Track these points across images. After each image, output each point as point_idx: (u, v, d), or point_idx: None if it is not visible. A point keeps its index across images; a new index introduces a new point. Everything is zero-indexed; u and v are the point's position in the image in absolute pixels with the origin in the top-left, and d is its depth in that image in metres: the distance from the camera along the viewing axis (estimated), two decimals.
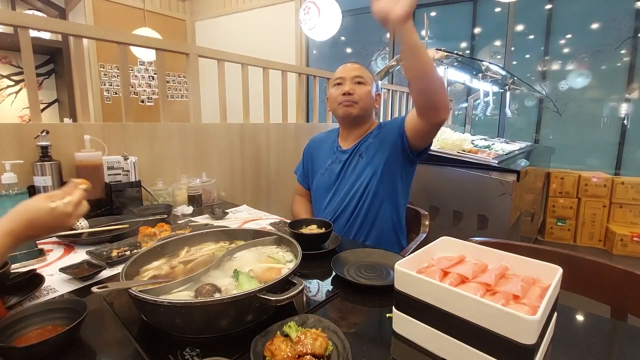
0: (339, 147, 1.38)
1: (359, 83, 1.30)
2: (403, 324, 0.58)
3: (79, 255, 0.93)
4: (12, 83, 4.31)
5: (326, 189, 1.35)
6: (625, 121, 3.53)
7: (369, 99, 1.31)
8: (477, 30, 4.23)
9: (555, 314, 0.58)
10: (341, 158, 1.34)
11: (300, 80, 2.52)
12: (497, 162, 1.87)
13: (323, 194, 1.36)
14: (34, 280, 0.74)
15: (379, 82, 1.36)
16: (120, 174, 1.38)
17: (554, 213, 3.56)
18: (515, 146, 2.91)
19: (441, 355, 0.53)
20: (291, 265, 0.69)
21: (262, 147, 2.18)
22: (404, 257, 0.63)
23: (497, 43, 4.11)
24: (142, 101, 4.53)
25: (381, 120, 1.56)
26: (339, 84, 1.32)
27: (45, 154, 1.21)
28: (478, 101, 3.20)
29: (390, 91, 3.30)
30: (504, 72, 2.61)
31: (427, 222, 1.34)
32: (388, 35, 4.05)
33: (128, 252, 0.91)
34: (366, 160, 1.27)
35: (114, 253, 0.91)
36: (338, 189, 1.32)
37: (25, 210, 0.58)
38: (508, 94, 3.55)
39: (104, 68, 4.13)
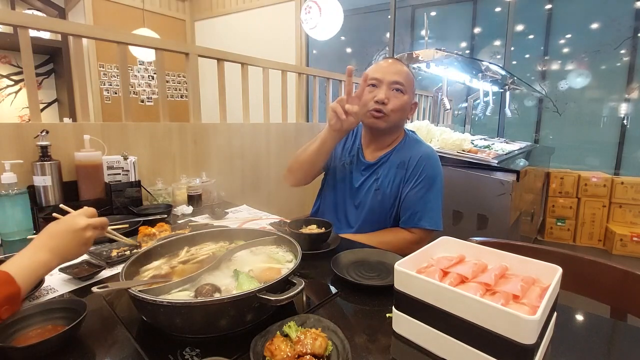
0: (362, 153, 1.26)
1: (397, 91, 1.13)
2: (403, 324, 0.58)
3: None
4: (12, 83, 4.31)
5: (340, 187, 1.29)
6: (625, 121, 3.53)
7: (403, 112, 1.16)
8: (477, 30, 4.23)
9: (555, 313, 0.58)
10: (360, 168, 1.24)
11: (300, 80, 2.52)
12: (496, 162, 1.87)
13: (335, 189, 1.30)
14: None
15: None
16: (120, 174, 1.38)
17: (553, 213, 3.56)
18: (514, 146, 2.91)
19: (441, 355, 0.53)
20: (291, 265, 0.69)
21: (262, 147, 2.18)
22: (404, 257, 0.63)
23: (497, 43, 4.11)
24: (142, 101, 4.53)
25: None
26: (373, 85, 1.15)
27: (45, 153, 1.21)
28: (478, 101, 3.20)
29: None
30: (503, 72, 2.61)
31: None
32: (388, 35, 4.05)
33: (128, 252, 0.91)
34: (379, 184, 1.20)
35: (114, 253, 0.91)
36: (349, 196, 1.27)
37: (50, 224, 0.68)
38: (508, 93, 3.55)
39: (103, 68, 4.13)
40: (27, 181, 1.21)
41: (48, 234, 0.66)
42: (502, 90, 3.56)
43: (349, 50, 4.99)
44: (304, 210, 2.46)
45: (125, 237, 0.89)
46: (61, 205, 0.79)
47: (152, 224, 1.08)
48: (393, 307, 0.59)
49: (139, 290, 0.56)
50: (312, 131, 2.39)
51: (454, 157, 1.94)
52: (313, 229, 1.04)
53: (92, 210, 0.74)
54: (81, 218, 0.70)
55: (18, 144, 1.22)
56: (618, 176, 3.44)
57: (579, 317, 0.67)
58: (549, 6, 3.76)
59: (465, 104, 3.89)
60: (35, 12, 4.23)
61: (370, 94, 1.14)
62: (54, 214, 0.75)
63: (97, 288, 0.56)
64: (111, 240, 1.00)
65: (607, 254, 3.27)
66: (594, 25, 3.58)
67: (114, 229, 1.06)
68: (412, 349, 0.56)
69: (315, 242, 0.97)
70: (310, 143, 1.19)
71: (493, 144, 2.72)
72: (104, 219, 0.75)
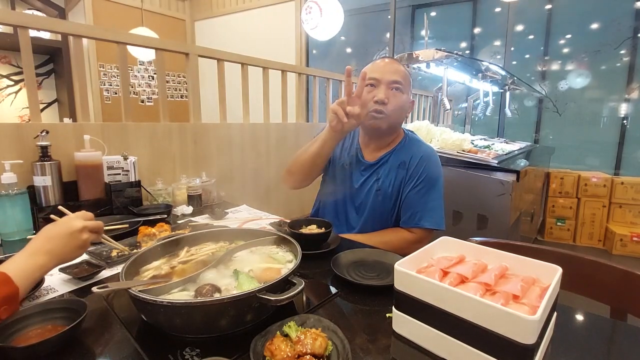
0: (361, 153, 1.25)
1: (396, 90, 1.13)
2: (403, 324, 0.58)
3: None
4: (12, 83, 4.31)
5: (340, 189, 1.28)
6: (624, 121, 3.53)
7: (403, 111, 1.17)
8: (477, 30, 4.23)
9: (555, 313, 0.58)
10: (360, 168, 1.24)
11: (300, 80, 2.53)
12: (496, 162, 1.87)
13: (334, 191, 1.30)
14: None
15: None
16: (120, 174, 1.38)
17: (553, 213, 3.56)
18: (515, 146, 2.91)
19: (441, 355, 0.53)
20: (291, 265, 0.69)
21: (262, 147, 2.18)
22: (404, 257, 0.63)
23: (497, 43, 4.11)
24: (142, 101, 4.53)
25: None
26: (371, 85, 1.14)
27: (45, 153, 1.21)
28: (478, 101, 3.20)
29: None
30: (503, 72, 2.61)
31: None
32: (388, 35, 4.05)
33: (128, 252, 0.91)
34: (380, 184, 1.19)
35: (114, 253, 0.91)
36: (349, 198, 1.26)
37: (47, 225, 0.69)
38: (508, 94, 3.55)
39: (103, 68, 4.13)
40: (27, 181, 1.21)
41: (45, 236, 0.66)
42: (502, 90, 3.56)
43: (349, 50, 4.99)
44: (304, 210, 2.46)
45: (119, 244, 0.90)
46: (60, 207, 0.80)
47: (152, 224, 1.08)
48: (393, 307, 0.59)
49: (139, 290, 0.56)
50: (312, 131, 2.38)
51: (454, 157, 1.94)
52: (313, 229, 1.04)
53: (89, 214, 0.75)
54: (77, 220, 0.70)
55: (18, 144, 1.22)
56: (618, 176, 3.44)
57: (579, 317, 0.67)
58: (549, 6, 3.76)
59: (465, 104, 3.89)
60: (35, 12, 4.23)
61: (369, 94, 1.14)
62: (51, 216, 0.75)
63: (97, 288, 0.56)
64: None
65: (607, 254, 3.27)
66: (594, 25, 3.58)
67: (114, 229, 1.07)
68: (412, 349, 0.56)
69: (315, 242, 0.97)
70: (310, 144, 1.19)
71: (493, 144, 2.72)
72: (99, 223, 0.76)
